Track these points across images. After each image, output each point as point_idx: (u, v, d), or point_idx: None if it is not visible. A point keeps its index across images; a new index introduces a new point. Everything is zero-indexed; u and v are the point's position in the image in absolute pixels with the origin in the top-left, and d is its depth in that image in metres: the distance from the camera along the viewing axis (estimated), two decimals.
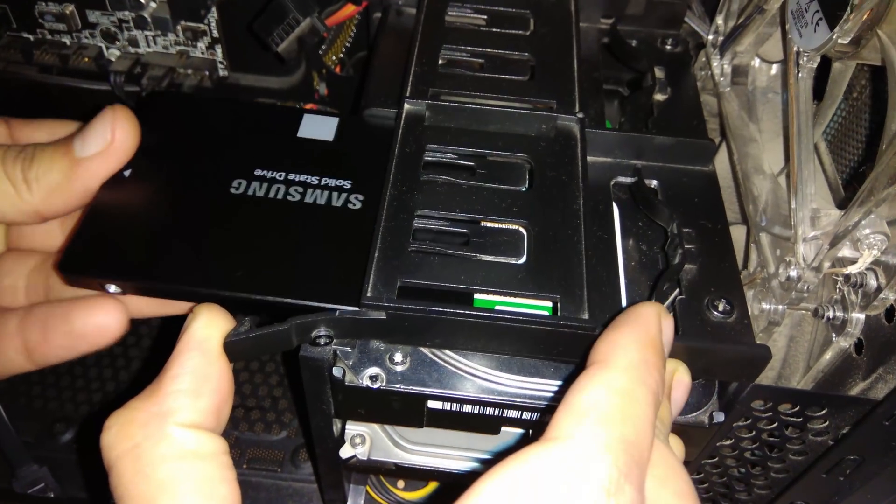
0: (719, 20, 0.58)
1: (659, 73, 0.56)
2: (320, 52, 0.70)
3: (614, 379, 0.31)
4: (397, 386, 0.42)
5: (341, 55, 0.70)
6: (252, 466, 0.66)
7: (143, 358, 0.74)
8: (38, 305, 0.47)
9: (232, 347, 0.38)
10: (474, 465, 0.50)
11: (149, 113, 0.48)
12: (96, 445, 0.67)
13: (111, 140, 0.42)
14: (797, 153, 0.43)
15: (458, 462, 0.50)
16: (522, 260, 0.42)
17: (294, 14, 0.54)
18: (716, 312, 0.42)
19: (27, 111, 0.75)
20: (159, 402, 0.35)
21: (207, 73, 0.68)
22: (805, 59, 0.44)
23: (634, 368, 0.32)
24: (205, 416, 0.35)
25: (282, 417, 0.70)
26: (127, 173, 0.45)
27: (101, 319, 0.44)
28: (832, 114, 0.47)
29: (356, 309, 0.39)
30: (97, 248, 0.42)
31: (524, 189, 0.45)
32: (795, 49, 0.44)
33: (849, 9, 0.39)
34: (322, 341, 0.40)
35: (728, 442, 0.47)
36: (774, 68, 0.55)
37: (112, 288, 0.41)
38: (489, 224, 0.44)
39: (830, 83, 0.44)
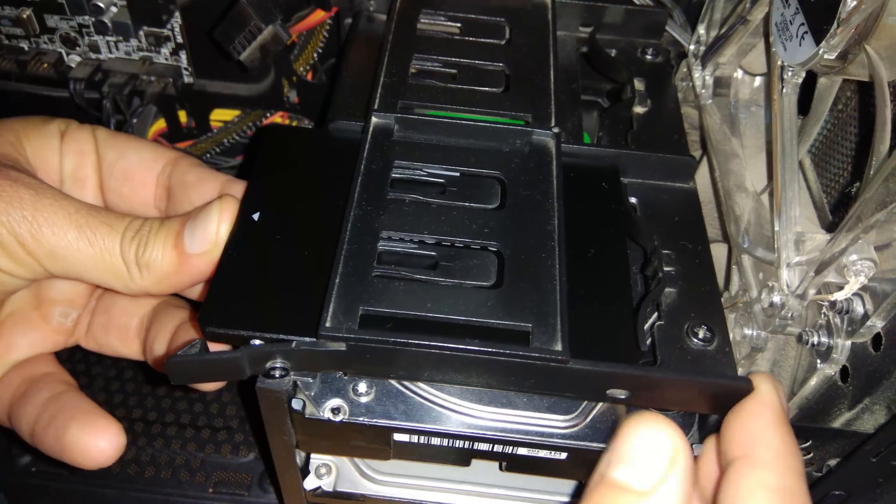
0: (701, 29, 0.56)
1: (639, 84, 0.54)
2: (291, 58, 0.67)
3: (767, 477, 0.32)
4: (361, 419, 0.40)
5: (313, 61, 0.68)
6: (218, 490, 0.64)
7: (105, 376, 0.71)
8: (64, 396, 0.46)
9: (176, 367, 0.36)
10: (447, 496, 0.48)
11: (264, 149, 0.46)
12: (56, 470, 0.64)
13: (216, 240, 0.42)
14: (781, 173, 0.41)
15: (430, 493, 0.48)
16: (493, 285, 0.39)
17: (255, 21, 0.51)
18: (696, 340, 0.41)
19: None
20: None
21: (171, 80, 0.65)
22: (790, 73, 0.42)
23: (782, 458, 0.32)
24: None
25: (249, 438, 0.67)
26: (255, 216, 0.42)
27: (94, 441, 0.44)
28: (817, 130, 0.45)
29: (313, 340, 0.37)
30: (236, 301, 0.39)
31: (496, 208, 0.43)
32: (780, 63, 0.42)
33: (835, 23, 0.37)
34: (277, 373, 0.38)
35: None
36: (757, 80, 0.53)
37: (256, 343, 0.38)
38: (459, 246, 0.41)
39: (816, 99, 0.43)
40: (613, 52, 0.57)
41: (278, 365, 0.38)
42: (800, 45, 0.41)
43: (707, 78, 0.53)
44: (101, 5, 0.61)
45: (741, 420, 0.35)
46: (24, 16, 0.63)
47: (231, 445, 0.66)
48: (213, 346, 0.39)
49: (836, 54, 0.39)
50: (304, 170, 0.46)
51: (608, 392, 0.38)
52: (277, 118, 0.72)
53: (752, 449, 0.33)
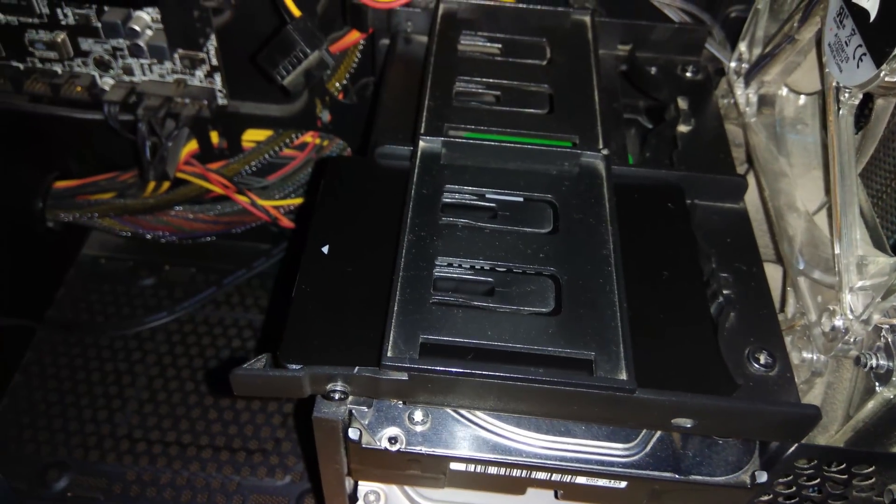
0: (742, 47, 0.55)
1: (682, 103, 0.54)
2: (324, 78, 0.67)
3: None
4: (418, 448, 0.39)
5: (345, 81, 0.68)
6: None
7: (138, 399, 0.71)
8: None
9: (239, 380, 0.37)
10: None
11: (331, 180, 0.46)
12: (91, 494, 0.64)
13: None
14: (840, 196, 0.40)
15: None
16: (552, 312, 0.39)
17: (301, 47, 0.51)
18: (757, 365, 0.40)
19: (17, 142, 0.73)
20: None
21: (206, 101, 0.65)
22: (846, 94, 0.41)
23: None
24: None
25: (285, 461, 0.67)
26: (325, 249, 0.42)
27: None
28: (871, 152, 0.44)
29: (375, 368, 0.36)
30: (314, 336, 0.39)
31: (549, 233, 0.43)
32: (835, 84, 0.42)
33: None
34: (336, 396, 0.38)
35: (766, 498, 0.44)
36: (803, 98, 0.53)
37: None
38: (515, 272, 0.41)
39: (874, 120, 0.42)
40: (653, 71, 0.57)
41: (338, 388, 0.37)
42: (857, 66, 0.40)
43: (751, 96, 0.53)
44: (137, 29, 0.61)
45: None
46: (59, 40, 0.63)
47: (266, 468, 0.66)
48: None
49: None
50: (364, 198, 0.45)
51: (673, 421, 0.37)
52: (308, 138, 0.72)
53: None
